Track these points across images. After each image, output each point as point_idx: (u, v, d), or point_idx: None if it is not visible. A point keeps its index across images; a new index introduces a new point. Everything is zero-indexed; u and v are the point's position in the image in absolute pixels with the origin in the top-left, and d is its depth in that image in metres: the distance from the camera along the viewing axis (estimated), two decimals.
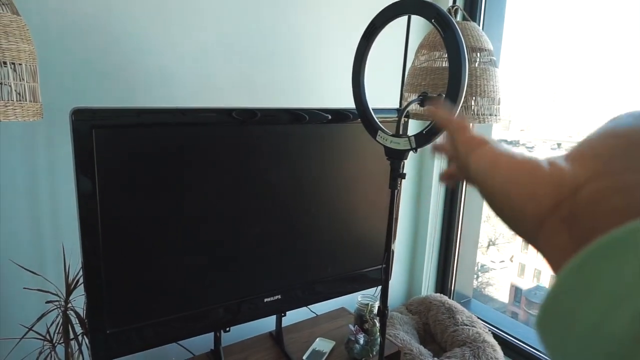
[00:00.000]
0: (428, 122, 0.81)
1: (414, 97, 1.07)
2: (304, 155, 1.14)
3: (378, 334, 1.28)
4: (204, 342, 1.23)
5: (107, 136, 0.85)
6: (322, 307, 1.45)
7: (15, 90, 0.73)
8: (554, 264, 0.21)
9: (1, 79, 0.71)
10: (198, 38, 1.22)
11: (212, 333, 1.17)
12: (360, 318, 1.33)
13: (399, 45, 1.64)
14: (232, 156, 1.03)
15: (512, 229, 0.25)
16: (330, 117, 1.14)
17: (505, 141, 2.07)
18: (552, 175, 0.22)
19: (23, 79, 0.74)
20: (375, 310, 1.27)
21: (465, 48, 0.77)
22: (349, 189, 1.24)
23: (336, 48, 1.48)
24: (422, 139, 0.81)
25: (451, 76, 0.78)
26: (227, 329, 1.13)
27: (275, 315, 1.31)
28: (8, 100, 0.72)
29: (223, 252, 1.06)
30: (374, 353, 1.28)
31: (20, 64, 0.73)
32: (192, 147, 0.97)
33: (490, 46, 1.20)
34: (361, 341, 1.26)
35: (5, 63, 0.71)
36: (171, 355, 1.22)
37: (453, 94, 0.77)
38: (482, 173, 0.27)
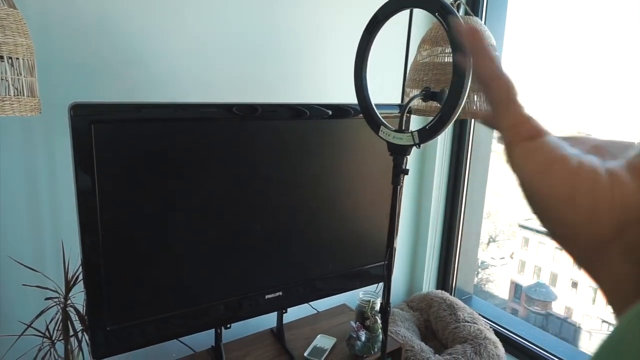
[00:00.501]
0: (431, 118, 0.80)
1: (416, 92, 1.06)
2: (305, 151, 1.13)
3: (379, 330, 1.28)
4: (204, 338, 1.22)
5: (106, 131, 0.84)
6: (323, 303, 1.44)
7: (13, 85, 0.72)
8: (611, 295, 0.19)
9: None
10: (198, 35, 1.21)
11: (213, 330, 1.17)
12: (362, 315, 1.32)
13: (401, 40, 1.62)
14: (233, 152, 1.02)
15: (562, 247, 0.22)
16: (331, 112, 1.13)
17: None
18: (615, 194, 0.19)
19: (20, 74, 0.73)
20: (377, 307, 1.26)
21: None
22: (350, 185, 1.23)
23: (338, 43, 1.47)
24: (426, 134, 0.81)
25: (455, 70, 0.77)
26: (228, 325, 1.12)
27: (276, 312, 1.30)
28: (5, 95, 0.71)
29: (224, 248, 1.06)
30: (376, 350, 1.27)
31: (17, 59, 0.72)
32: (192, 142, 0.96)
33: (492, 41, 1.18)
34: (363, 338, 1.25)
35: (2, 57, 0.70)
36: (172, 352, 1.22)
37: (457, 88, 0.76)
38: (529, 174, 0.22)
